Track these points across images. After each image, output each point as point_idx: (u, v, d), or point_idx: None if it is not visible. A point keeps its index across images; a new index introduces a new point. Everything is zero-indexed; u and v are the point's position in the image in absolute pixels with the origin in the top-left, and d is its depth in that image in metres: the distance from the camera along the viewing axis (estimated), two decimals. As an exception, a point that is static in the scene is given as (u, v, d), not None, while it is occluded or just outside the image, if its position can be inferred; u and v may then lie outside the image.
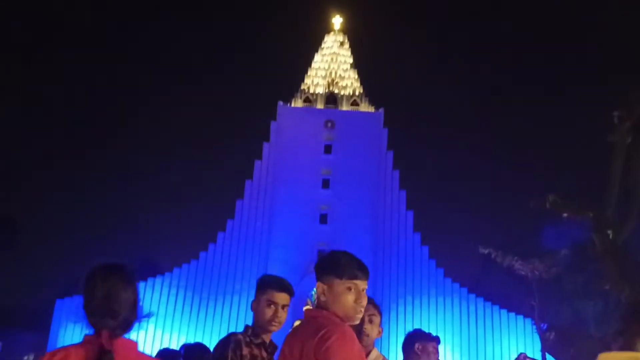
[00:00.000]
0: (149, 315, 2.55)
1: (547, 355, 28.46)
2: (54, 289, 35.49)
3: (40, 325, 34.26)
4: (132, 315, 2.40)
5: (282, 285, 3.73)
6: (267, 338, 3.72)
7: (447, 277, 37.04)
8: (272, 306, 3.68)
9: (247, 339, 3.62)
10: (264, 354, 3.62)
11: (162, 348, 5.21)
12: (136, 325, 2.49)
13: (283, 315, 3.69)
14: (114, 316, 2.32)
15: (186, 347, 5.18)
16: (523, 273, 26.35)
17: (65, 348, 2.35)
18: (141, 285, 34.48)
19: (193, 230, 39.12)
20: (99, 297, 2.37)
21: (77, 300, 33.83)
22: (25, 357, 33.11)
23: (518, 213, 37.44)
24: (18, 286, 36.44)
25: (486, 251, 27.43)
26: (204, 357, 4.60)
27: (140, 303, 2.51)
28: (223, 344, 3.65)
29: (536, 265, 25.46)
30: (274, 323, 3.67)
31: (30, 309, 35.93)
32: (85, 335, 2.37)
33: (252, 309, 3.79)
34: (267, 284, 3.74)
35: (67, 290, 35.23)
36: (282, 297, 3.71)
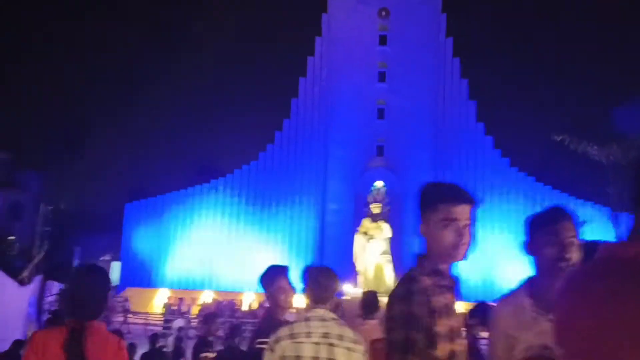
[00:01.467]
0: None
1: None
2: (122, 195, 36.83)
3: (112, 229, 35.96)
4: (101, 307, 2.94)
5: (459, 194, 2.45)
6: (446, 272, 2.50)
7: (513, 167, 35.74)
8: (452, 225, 2.38)
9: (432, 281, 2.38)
10: (453, 299, 2.43)
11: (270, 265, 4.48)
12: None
13: (468, 236, 2.42)
14: (84, 307, 2.87)
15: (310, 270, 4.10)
16: (598, 159, 24.78)
17: (45, 330, 3.11)
18: (201, 189, 35.14)
19: (249, 133, 38.99)
20: (75, 292, 2.92)
21: (143, 204, 34.98)
22: (102, 258, 35.03)
23: (589, 98, 34.99)
24: (89, 193, 38.00)
25: (559, 138, 25.83)
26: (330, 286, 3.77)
27: (111, 295, 3.11)
28: (405, 292, 2.26)
29: (613, 150, 23.80)
30: (459, 250, 2.40)
31: (101, 214, 37.63)
32: (66, 320, 2.89)
33: (422, 233, 2.35)
34: (437, 196, 2.47)
35: (134, 195, 36.49)
36: (463, 211, 2.43)
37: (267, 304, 5.19)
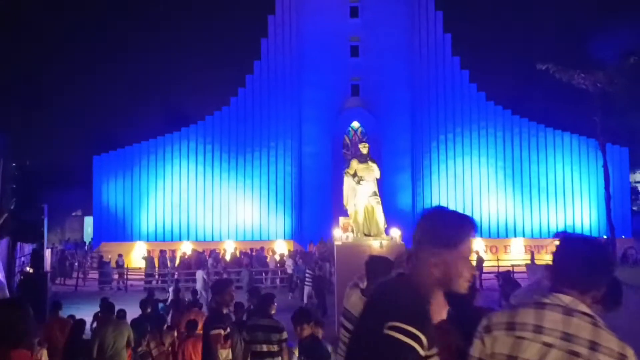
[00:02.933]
0: None
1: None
2: (90, 148, 35.23)
3: (82, 183, 34.61)
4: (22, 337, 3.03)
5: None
6: None
7: (490, 101, 35.19)
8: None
9: None
10: None
11: None
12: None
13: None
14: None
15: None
16: (585, 87, 24.27)
17: None
18: (171, 138, 33.76)
19: (219, 78, 37.33)
20: None
21: (113, 156, 33.57)
22: (73, 214, 33.85)
23: (569, 25, 34.23)
24: (55, 148, 36.28)
25: (544, 67, 25.16)
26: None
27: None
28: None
29: (599, 77, 23.26)
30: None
31: (70, 169, 36.09)
32: None
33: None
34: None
35: (103, 147, 34.98)
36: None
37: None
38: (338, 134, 35.99)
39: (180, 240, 33.13)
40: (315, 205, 34.48)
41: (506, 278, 8.75)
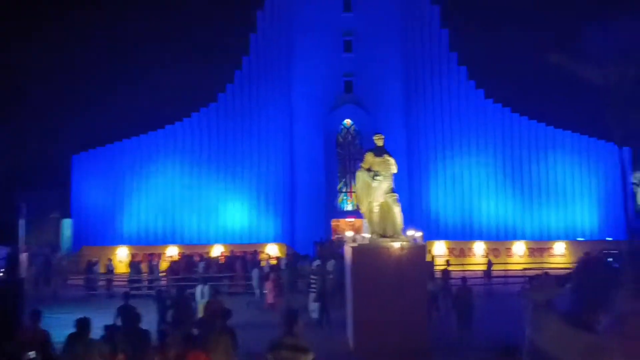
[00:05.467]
0: None
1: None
2: (69, 146, 33.17)
3: (60, 183, 32.57)
4: None
5: None
6: None
7: (489, 99, 34.09)
8: None
9: None
10: None
11: None
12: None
13: None
14: None
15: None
16: (595, 81, 23.19)
17: None
18: (155, 135, 31.89)
19: (205, 74, 35.58)
20: None
21: (93, 155, 31.60)
22: (51, 215, 31.83)
23: (571, 17, 33.27)
24: (33, 147, 34.10)
25: (555, 59, 24.06)
26: None
27: None
28: None
29: (610, 70, 22.21)
30: None
31: (48, 169, 33.99)
32: None
33: None
34: None
35: (83, 145, 33.03)
36: None
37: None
38: (330, 132, 34.52)
39: (165, 244, 31.31)
40: (310, 204, 32.97)
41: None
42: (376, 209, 13.57)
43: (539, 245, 31.36)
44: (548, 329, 2.47)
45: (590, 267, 2.59)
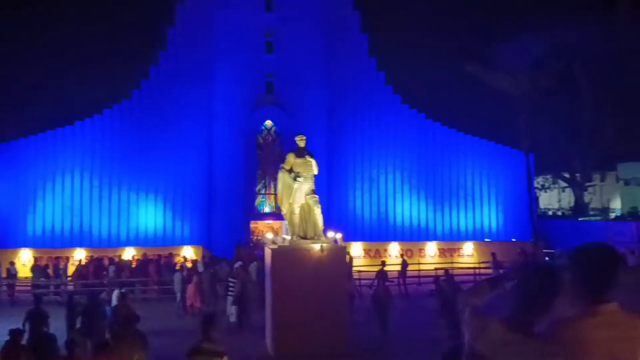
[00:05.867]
0: None
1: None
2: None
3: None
4: None
5: None
6: None
7: (405, 104, 34.97)
8: None
9: None
10: None
11: None
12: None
13: None
14: None
15: None
16: (509, 90, 24.39)
17: None
18: (63, 132, 30.28)
19: (118, 68, 34.09)
20: None
21: (4, 146, 29.35)
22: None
23: (484, 27, 34.82)
24: None
25: (471, 68, 25.02)
26: None
27: None
28: None
29: (524, 80, 23.44)
30: None
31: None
32: None
33: None
34: None
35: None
36: None
37: None
38: (251, 133, 34.07)
39: (73, 246, 29.63)
40: (226, 208, 32.37)
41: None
42: (297, 211, 13.48)
43: (450, 245, 32.63)
44: (488, 334, 2.41)
45: (531, 270, 2.59)
